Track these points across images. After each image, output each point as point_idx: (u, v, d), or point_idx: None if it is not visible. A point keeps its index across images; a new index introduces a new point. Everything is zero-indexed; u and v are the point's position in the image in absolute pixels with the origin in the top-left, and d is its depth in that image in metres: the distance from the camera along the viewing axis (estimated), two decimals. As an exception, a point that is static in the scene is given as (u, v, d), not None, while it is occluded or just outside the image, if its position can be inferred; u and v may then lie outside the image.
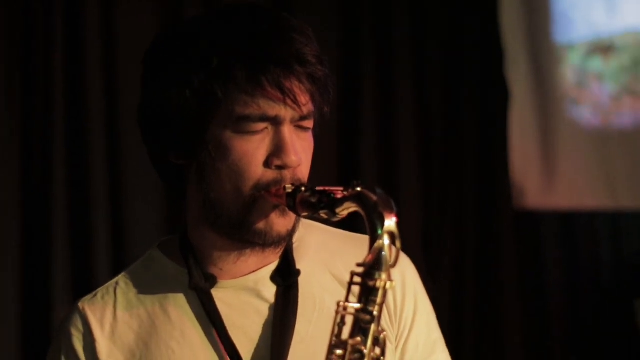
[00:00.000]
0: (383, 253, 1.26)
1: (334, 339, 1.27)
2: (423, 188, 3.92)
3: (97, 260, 3.26)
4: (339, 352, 1.26)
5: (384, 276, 1.26)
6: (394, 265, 1.26)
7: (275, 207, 1.40)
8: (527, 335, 4.07)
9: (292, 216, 1.42)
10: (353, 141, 3.79)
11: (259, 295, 1.46)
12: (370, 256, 1.26)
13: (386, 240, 1.26)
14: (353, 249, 1.44)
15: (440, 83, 3.98)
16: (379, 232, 1.26)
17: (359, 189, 1.30)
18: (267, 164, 1.39)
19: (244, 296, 1.46)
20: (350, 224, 1.52)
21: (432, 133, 3.97)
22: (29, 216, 3.24)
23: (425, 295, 1.55)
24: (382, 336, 1.28)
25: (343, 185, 1.33)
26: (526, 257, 4.07)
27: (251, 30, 1.38)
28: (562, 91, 4.08)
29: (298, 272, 1.47)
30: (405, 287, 1.51)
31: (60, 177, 3.26)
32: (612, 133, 4.04)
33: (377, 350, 1.28)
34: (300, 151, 1.40)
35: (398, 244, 1.26)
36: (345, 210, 1.32)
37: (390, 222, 1.26)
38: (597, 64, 4.06)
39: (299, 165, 1.40)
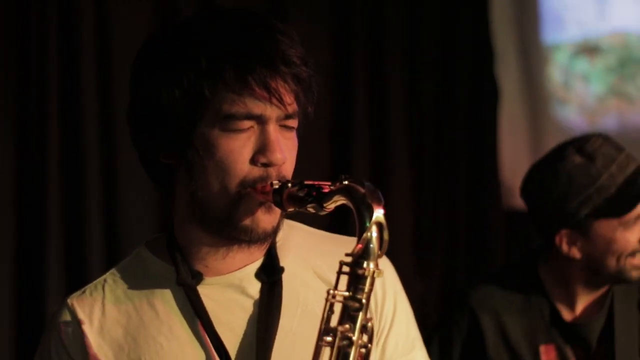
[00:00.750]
0: (371, 243, 1.30)
1: (324, 325, 1.32)
2: (414, 187, 3.94)
3: (91, 257, 3.28)
4: (328, 338, 1.30)
5: (371, 265, 1.30)
6: (382, 255, 1.31)
7: (261, 204, 1.44)
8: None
9: (277, 213, 1.46)
10: (345, 140, 3.81)
11: (244, 292, 1.50)
12: (359, 246, 1.30)
13: (374, 231, 1.30)
14: (334, 248, 1.48)
15: (432, 82, 4.00)
16: (367, 223, 1.30)
17: (346, 182, 1.35)
18: (253, 161, 1.43)
19: (230, 293, 1.49)
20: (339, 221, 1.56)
21: (423, 132, 3.98)
22: (23, 213, 3.26)
23: (404, 294, 1.60)
24: (369, 324, 1.32)
25: (330, 181, 1.38)
26: (516, 255, 4.08)
27: (238, 32, 1.43)
28: (549, 91, 4.11)
29: (282, 270, 1.51)
30: (385, 286, 1.56)
31: (55, 175, 3.26)
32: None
33: (365, 338, 1.32)
34: (285, 149, 1.44)
35: (386, 234, 1.31)
36: (333, 203, 1.37)
37: (379, 213, 1.30)
38: (583, 64, 4.09)
39: (283, 163, 1.44)
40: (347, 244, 1.41)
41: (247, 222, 1.45)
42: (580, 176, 2.23)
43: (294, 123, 1.47)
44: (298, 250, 1.55)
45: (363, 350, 1.32)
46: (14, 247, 3.25)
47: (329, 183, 1.37)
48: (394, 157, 3.90)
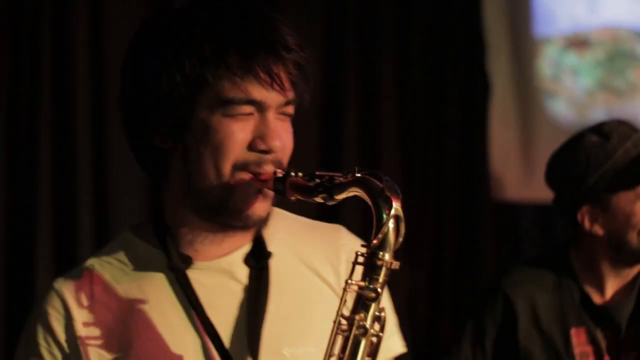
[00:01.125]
0: (389, 235, 1.32)
1: (340, 313, 1.33)
2: (403, 179, 3.96)
3: (82, 250, 3.28)
4: (343, 327, 1.32)
5: (387, 256, 1.32)
6: (399, 246, 1.33)
7: (258, 192, 1.45)
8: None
9: (270, 199, 1.47)
10: (335, 130, 3.83)
11: (233, 277, 1.50)
12: (377, 238, 1.32)
13: (391, 223, 1.32)
14: (318, 235, 1.54)
15: (423, 74, 4.01)
16: (385, 215, 1.32)
17: (359, 174, 1.36)
18: (250, 147, 1.44)
19: (219, 277, 1.50)
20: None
21: (413, 125, 4.00)
22: (14, 206, 3.26)
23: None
24: (382, 314, 1.34)
25: (336, 172, 1.39)
26: (505, 249, 4.12)
27: (238, 18, 1.44)
28: (539, 84, 4.13)
29: (270, 255, 1.52)
30: None
31: (46, 168, 3.27)
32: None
33: (377, 327, 1.34)
34: (284, 136, 1.45)
35: (402, 227, 1.33)
36: (345, 194, 1.37)
37: (397, 206, 1.32)
38: (572, 58, 4.12)
39: (282, 150, 1.45)
40: (330, 232, 1.48)
41: (242, 208, 1.45)
42: (597, 153, 2.31)
43: (291, 110, 1.48)
44: (284, 237, 1.56)
45: (374, 339, 1.34)
46: (3, 239, 3.25)
47: (340, 174, 1.38)
48: (384, 149, 3.91)
